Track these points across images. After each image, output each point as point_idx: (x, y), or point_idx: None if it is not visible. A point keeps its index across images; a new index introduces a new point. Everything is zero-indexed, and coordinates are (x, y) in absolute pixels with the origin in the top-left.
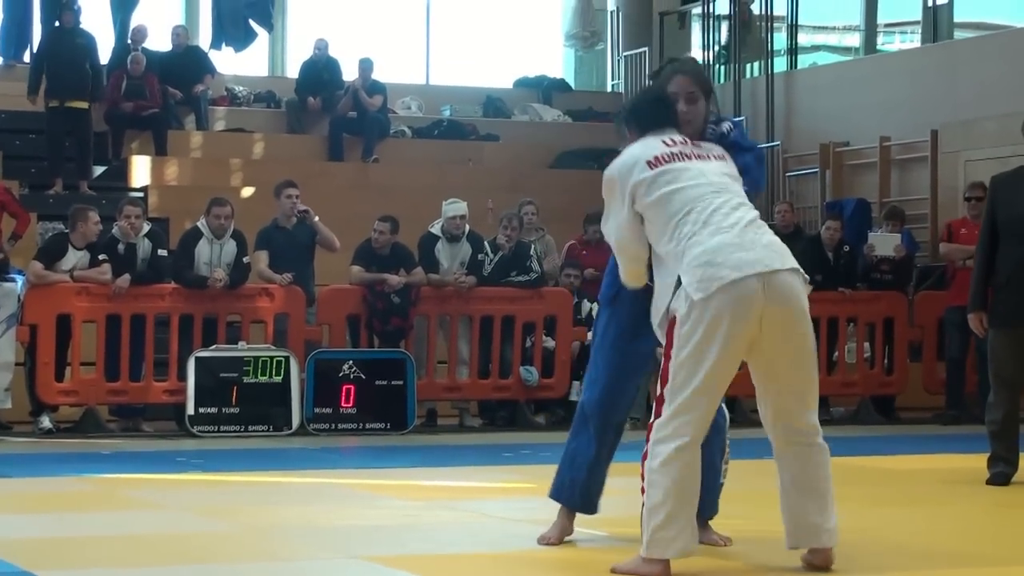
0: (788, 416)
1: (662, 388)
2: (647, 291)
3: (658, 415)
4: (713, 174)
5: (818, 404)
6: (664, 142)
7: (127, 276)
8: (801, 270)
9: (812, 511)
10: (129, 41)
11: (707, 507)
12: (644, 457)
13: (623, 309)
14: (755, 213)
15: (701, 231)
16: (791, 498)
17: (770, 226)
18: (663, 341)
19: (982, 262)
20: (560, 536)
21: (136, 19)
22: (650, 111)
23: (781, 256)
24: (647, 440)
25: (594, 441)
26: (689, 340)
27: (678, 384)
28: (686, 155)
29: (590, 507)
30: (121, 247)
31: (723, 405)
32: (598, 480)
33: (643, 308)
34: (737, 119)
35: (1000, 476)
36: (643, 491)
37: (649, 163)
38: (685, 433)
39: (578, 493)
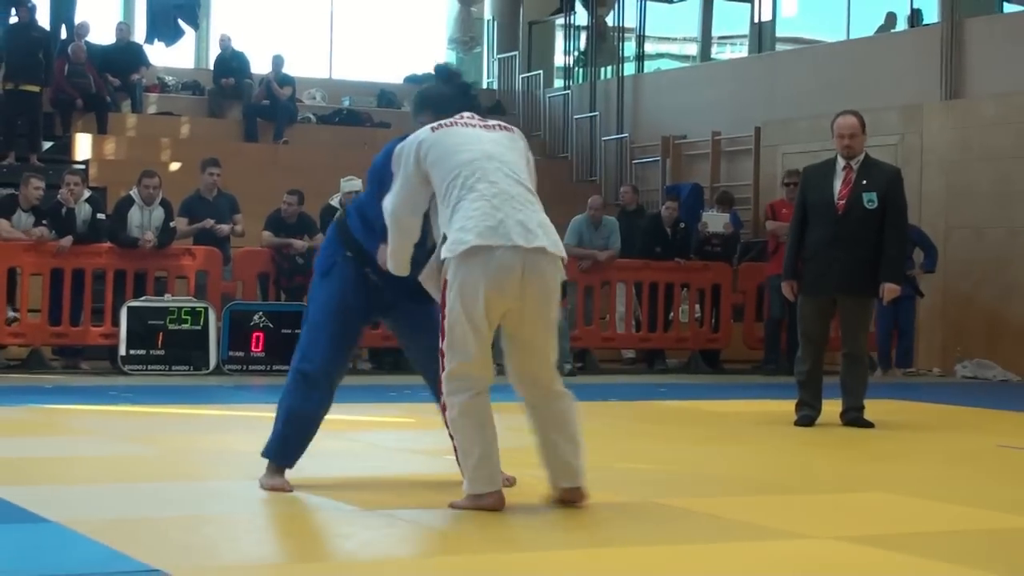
0: (534, 375)
1: (442, 342)
2: (359, 263)
3: (443, 368)
4: (490, 142)
5: (555, 369)
6: (453, 118)
7: (70, 238)
8: (553, 247)
9: (566, 452)
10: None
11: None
12: (443, 409)
13: (337, 281)
14: (521, 188)
15: (466, 196)
16: (546, 444)
17: (617, 204)
18: (434, 296)
19: (795, 238)
20: (287, 483)
21: (78, 15)
22: (455, 99)
23: (530, 233)
24: (440, 393)
25: (322, 404)
26: (456, 302)
27: (455, 341)
28: (471, 124)
29: (292, 462)
30: (64, 211)
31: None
32: (311, 438)
33: (356, 279)
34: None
35: (806, 419)
36: (452, 438)
37: (432, 128)
38: (474, 383)
39: (291, 451)
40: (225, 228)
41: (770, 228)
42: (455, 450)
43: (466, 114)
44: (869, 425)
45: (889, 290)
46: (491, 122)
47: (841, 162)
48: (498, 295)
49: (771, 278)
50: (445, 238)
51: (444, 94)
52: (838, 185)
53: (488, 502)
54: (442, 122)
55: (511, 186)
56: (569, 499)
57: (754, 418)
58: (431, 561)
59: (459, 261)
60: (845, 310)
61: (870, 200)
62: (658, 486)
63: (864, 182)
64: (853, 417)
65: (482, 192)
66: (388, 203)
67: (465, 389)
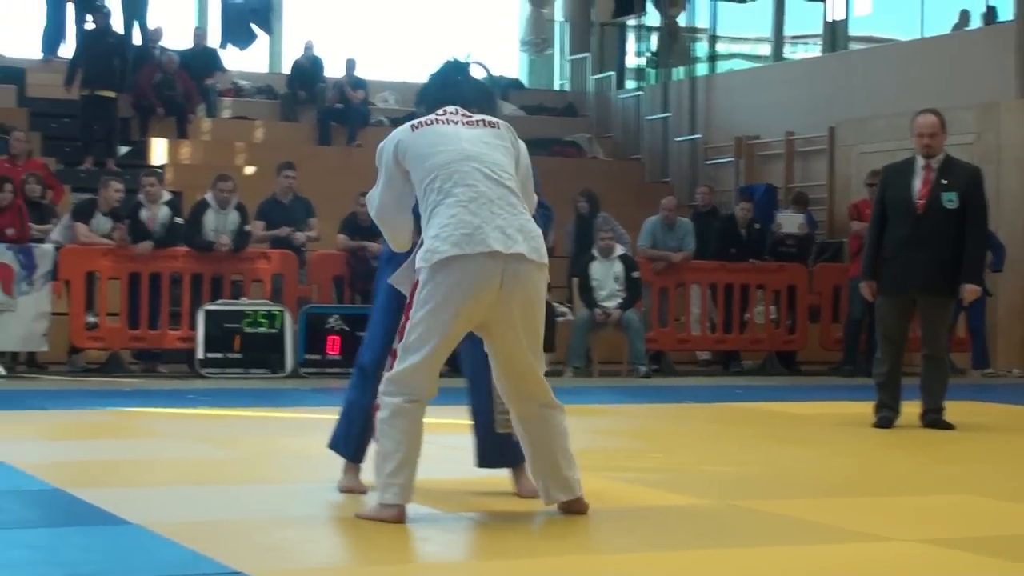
0: (526, 391)
1: (398, 342)
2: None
3: (390, 368)
4: (468, 140)
5: (544, 368)
6: (436, 113)
7: (149, 243)
8: (533, 253)
9: (563, 467)
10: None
11: (504, 455)
12: (375, 408)
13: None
14: (502, 190)
15: (443, 201)
16: (543, 458)
17: (690, 206)
18: (405, 293)
19: (874, 238)
20: (362, 485)
21: (152, 20)
22: (432, 91)
23: (509, 239)
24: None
25: (373, 397)
26: (424, 305)
27: (410, 344)
28: (452, 121)
29: (360, 457)
30: (144, 213)
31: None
32: (369, 432)
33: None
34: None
35: (884, 420)
36: (376, 440)
37: (412, 126)
38: (413, 390)
39: (352, 444)
40: (301, 236)
41: (855, 229)
42: (376, 454)
43: (450, 109)
44: (949, 427)
45: (970, 291)
46: (475, 117)
47: (920, 161)
48: (473, 304)
49: (853, 279)
50: (423, 243)
51: (427, 86)
52: (917, 184)
53: (391, 514)
54: (422, 119)
55: (490, 188)
56: (573, 510)
57: (832, 420)
58: (512, 564)
59: (434, 270)
60: (925, 311)
61: (950, 200)
62: (736, 488)
63: (944, 182)
64: (933, 419)
65: (459, 197)
66: (373, 200)
67: (403, 393)
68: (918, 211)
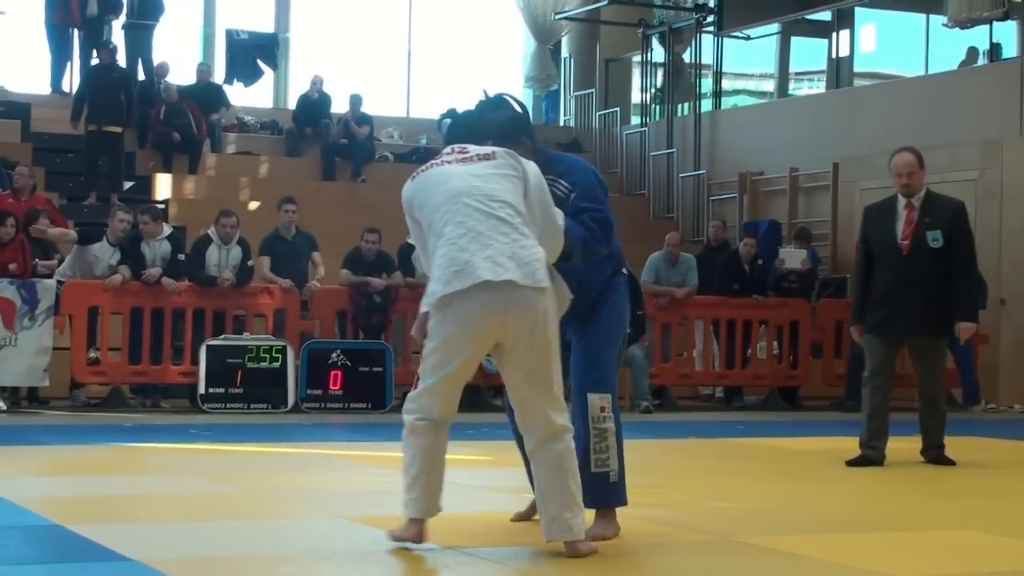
0: (535, 422)
1: (422, 365)
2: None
3: (414, 388)
4: (459, 177)
5: (562, 403)
6: (434, 158)
7: (158, 269)
8: (526, 278)
9: (562, 507)
10: (154, 76)
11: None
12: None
13: None
14: (493, 221)
15: (438, 243)
16: (544, 494)
17: (695, 241)
18: (419, 340)
19: (860, 281)
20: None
21: (158, 56)
22: (449, 132)
23: (499, 267)
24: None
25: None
26: (433, 339)
27: (428, 368)
28: (447, 162)
29: None
30: (144, 247)
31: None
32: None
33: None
34: (575, 181)
35: (863, 459)
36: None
37: (412, 177)
38: (430, 411)
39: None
40: (311, 288)
41: None
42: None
43: (446, 149)
44: (951, 463)
45: (965, 329)
46: (471, 152)
47: (902, 201)
48: (478, 335)
49: None
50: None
51: (448, 128)
52: (900, 226)
53: (412, 532)
54: (421, 167)
55: (480, 221)
56: (573, 552)
57: (834, 455)
58: None
59: (436, 308)
60: (918, 351)
61: (935, 239)
62: (738, 524)
63: (927, 220)
64: (934, 455)
65: (448, 236)
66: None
67: (417, 411)
68: (903, 252)
